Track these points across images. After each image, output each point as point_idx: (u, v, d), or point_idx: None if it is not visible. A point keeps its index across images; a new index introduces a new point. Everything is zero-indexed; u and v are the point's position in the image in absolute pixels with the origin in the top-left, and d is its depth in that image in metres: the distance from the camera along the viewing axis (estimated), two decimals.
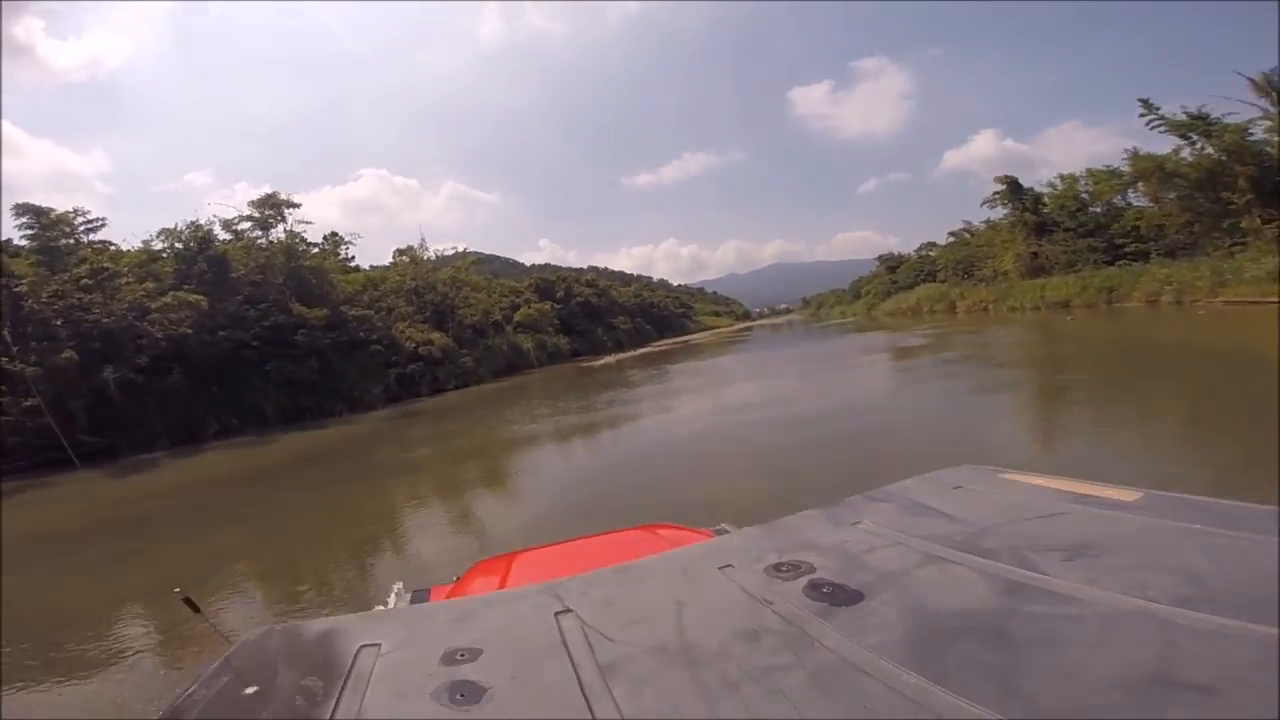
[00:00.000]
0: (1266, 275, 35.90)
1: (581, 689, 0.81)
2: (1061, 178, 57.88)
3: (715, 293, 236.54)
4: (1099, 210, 55.83)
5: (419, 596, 2.72)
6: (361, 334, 34.77)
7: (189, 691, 0.89)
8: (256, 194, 37.54)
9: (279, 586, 8.03)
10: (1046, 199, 60.88)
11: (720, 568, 1.11)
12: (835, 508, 1.36)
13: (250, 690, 0.89)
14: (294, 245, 36.07)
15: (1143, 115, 48.28)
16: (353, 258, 48.91)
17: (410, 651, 0.96)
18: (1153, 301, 43.15)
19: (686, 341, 79.22)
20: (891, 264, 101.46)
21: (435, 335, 39.84)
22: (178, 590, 1.86)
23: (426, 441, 20.76)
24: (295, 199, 36.44)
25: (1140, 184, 47.10)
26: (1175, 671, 0.67)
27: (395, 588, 2.94)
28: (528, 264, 78.28)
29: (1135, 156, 47.88)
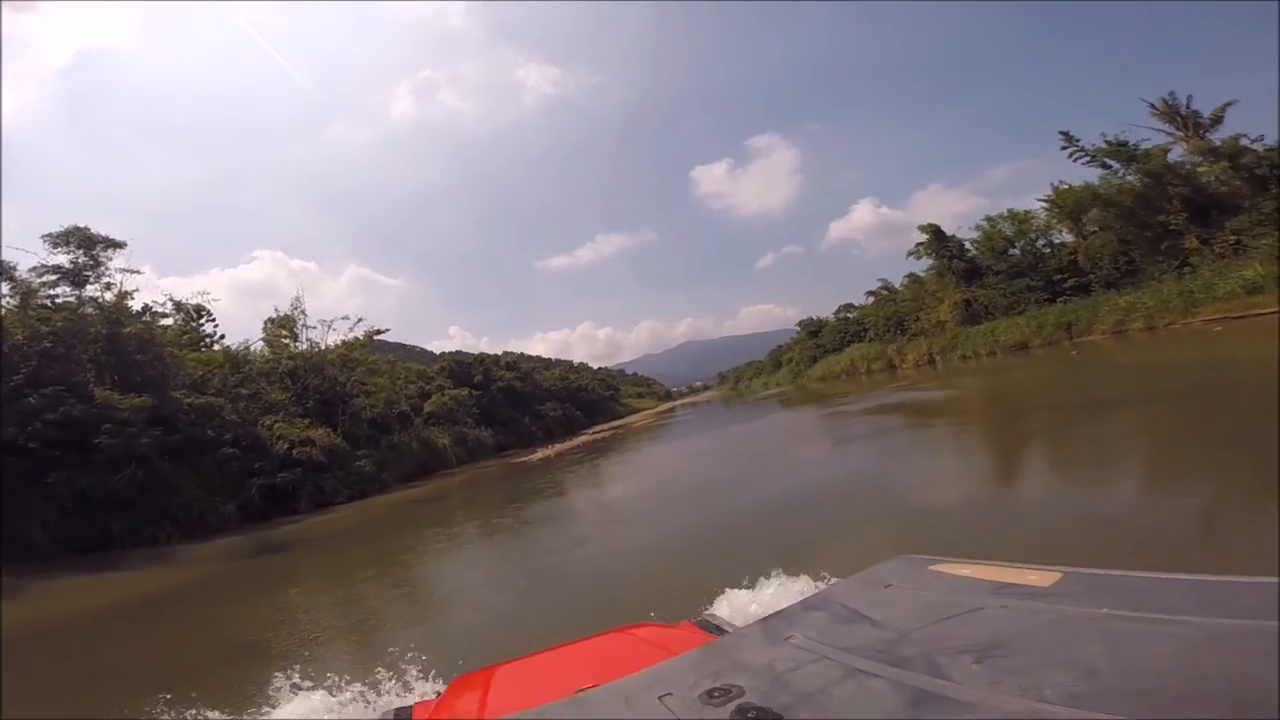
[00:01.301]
0: (1241, 290, 33.94)
1: None
2: (987, 219, 56.45)
3: (635, 373, 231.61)
4: (1024, 250, 54.36)
5: (402, 713, 2.68)
6: (208, 431, 24.82)
7: None
8: (136, 274, 27.20)
9: None
10: (970, 245, 59.43)
11: (660, 697, 1.13)
12: (775, 620, 1.39)
13: None
14: (117, 307, 26.12)
15: (1064, 147, 47.56)
16: (220, 337, 38.74)
17: None
18: (1120, 332, 40.59)
19: (625, 426, 71.43)
20: (812, 329, 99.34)
21: (318, 432, 30.23)
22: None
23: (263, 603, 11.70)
24: (118, 246, 26.43)
25: (1065, 218, 45.55)
26: None
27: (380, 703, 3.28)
28: (437, 352, 69.24)
29: (1062, 190, 46.53)
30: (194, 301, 37.95)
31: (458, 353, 63.50)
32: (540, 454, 41.98)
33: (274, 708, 4.96)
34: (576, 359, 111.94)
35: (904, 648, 1.10)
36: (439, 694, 2.84)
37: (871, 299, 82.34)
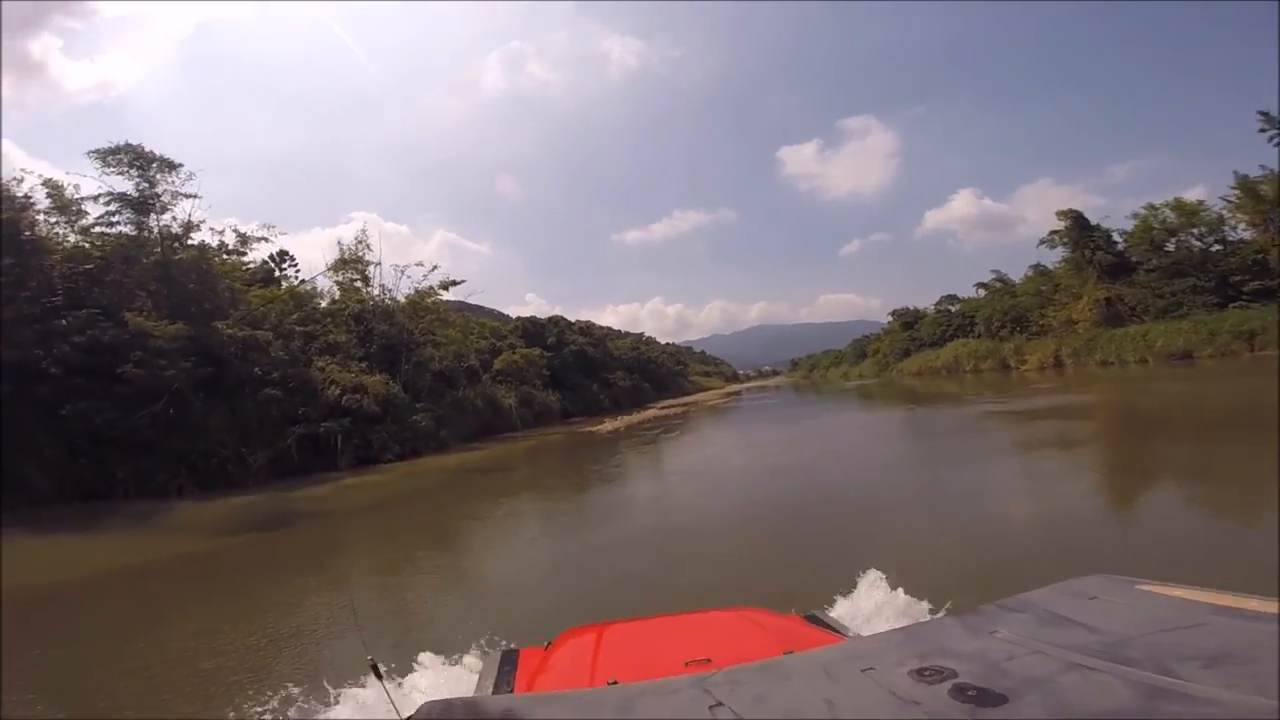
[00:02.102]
0: None
1: None
2: (1147, 207, 47.95)
3: (704, 352, 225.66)
4: (1189, 247, 45.85)
5: (508, 658, 2.79)
6: (254, 369, 21.72)
7: None
8: (193, 198, 24.35)
9: None
10: (1120, 236, 51.02)
11: (863, 670, 1.09)
12: (970, 616, 1.35)
13: None
14: (175, 235, 23.34)
15: (1263, 130, 39.67)
16: (301, 281, 36.37)
17: None
18: None
19: (694, 404, 66.78)
20: (907, 320, 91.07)
21: (373, 379, 26.87)
22: (369, 658, 1.94)
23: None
24: (173, 167, 23.31)
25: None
26: None
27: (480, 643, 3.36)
28: (514, 316, 65.66)
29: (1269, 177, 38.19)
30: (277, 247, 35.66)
31: (533, 317, 59.80)
32: (609, 425, 37.86)
33: None
34: (645, 333, 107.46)
35: (1126, 650, 1.04)
36: (548, 643, 2.68)
37: (982, 291, 74.14)
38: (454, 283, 39.84)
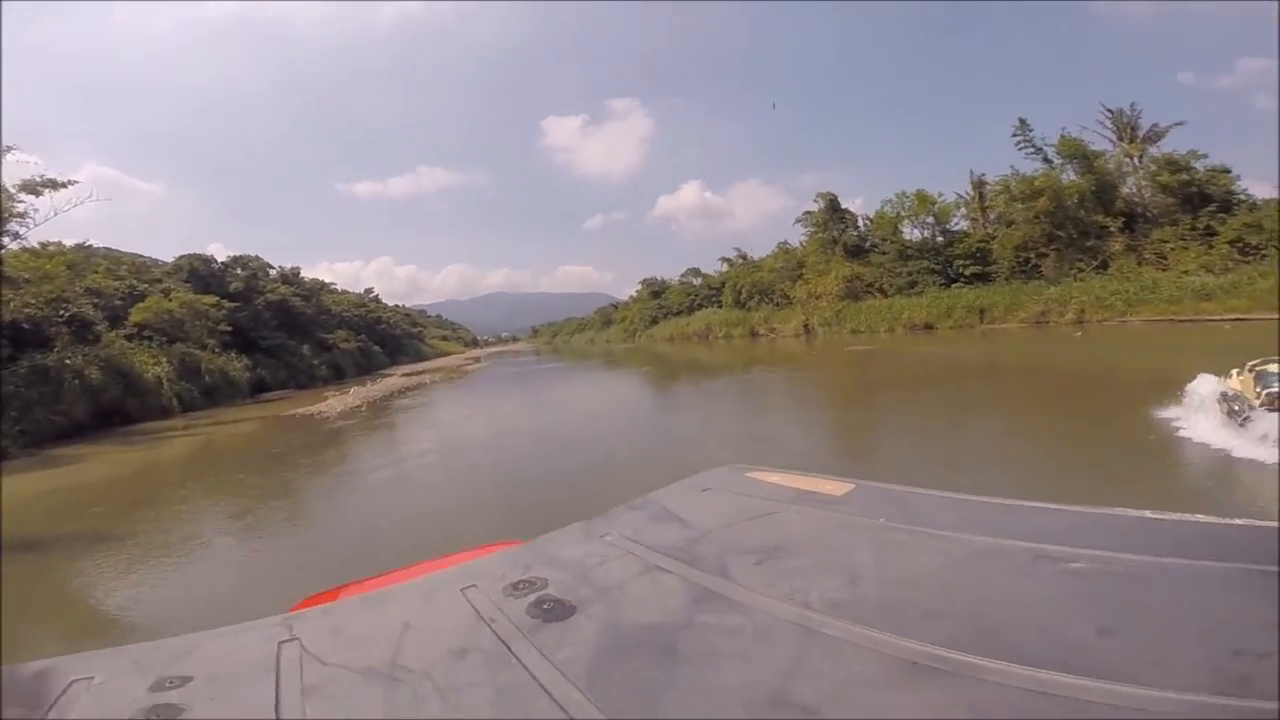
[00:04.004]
0: (1192, 293, 31.33)
1: (276, 708, 0.82)
2: (898, 196, 50.75)
3: (440, 316, 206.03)
4: (927, 235, 49.80)
5: None
6: None
7: None
8: None
9: None
10: (869, 219, 53.82)
11: (463, 589, 1.12)
12: (597, 520, 1.39)
13: None
14: None
15: (1015, 135, 43.68)
16: None
17: (122, 682, 0.94)
18: (1041, 322, 36.85)
19: (446, 368, 55.43)
20: (656, 289, 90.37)
21: None
22: None
23: None
24: None
25: (1019, 204, 40.86)
26: (793, 688, 0.72)
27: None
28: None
29: (1023, 178, 41.49)
30: None
31: (204, 255, 41.47)
32: (336, 402, 25.79)
33: None
34: (373, 290, 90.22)
35: (701, 547, 1.14)
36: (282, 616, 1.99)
37: (726, 265, 75.58)
38: (53, 184, 23.54)
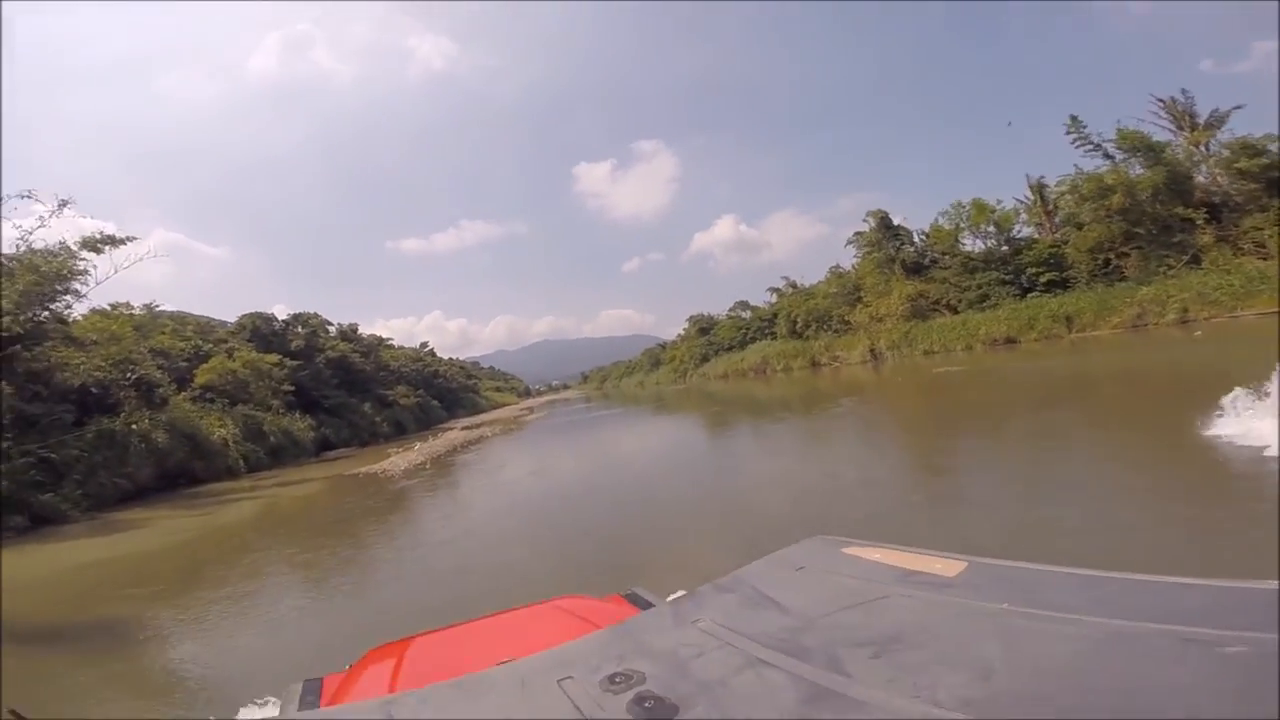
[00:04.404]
0: None
1: None
2: (954, 207, 48.31)
3: (492, 367, 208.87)
4: (993, 244, 47.04)
5: (310, 686, 2.34)
6: None
7: None
8: None
9: None
10: (925, 234, 51.42)
11: (559, 680, 1.09)
12: (683, 602, 1.36)
13: None
14: None
15: (1069, 133, 40.85)
16: None
17: None
18: (1138, 326, 33.21)
19: (505, 420, 54.75)
20: (703, 326, 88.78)
21: None
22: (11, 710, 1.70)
23: None
24: None
25: (1088, 203, 38.02)
26: None
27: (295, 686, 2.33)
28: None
29: (1089, 175, 38.80)
30: None
31: (265, 314, 41.98)
32: (400, 458, 24.71)
33: None
34: (428, 344, 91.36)
35: (807, 637, 1.08)
36: (350, 665, 2.43)
37: (775, 295, 73.66)
38: (112, 240, 23.70)
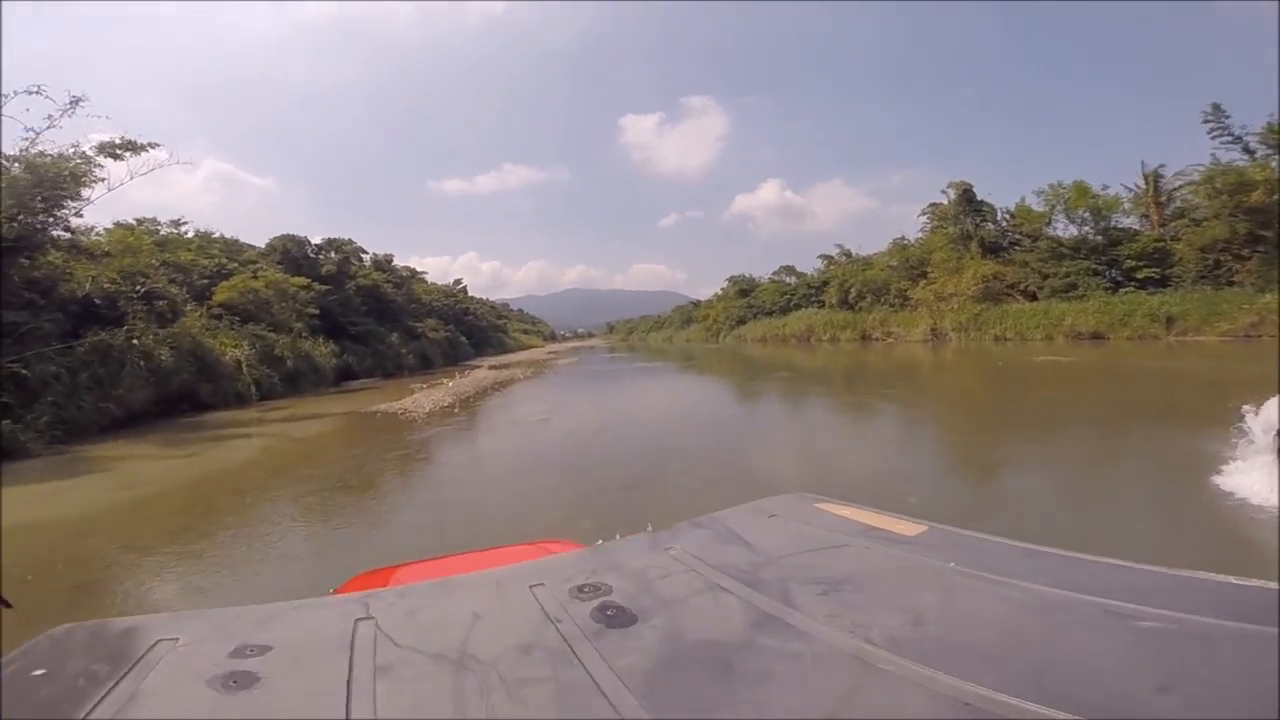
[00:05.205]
0: None
1: (349, 684, 0.84)
2: (1051, 188, 43.20)
3: (521, 310, 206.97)
4: (1089, 230, 42.12)
5: None
6: None
7: None
8: None
9: None
10: (1009, 213, 46.51)
11: (531, 586, 1.14)
12: (662, 533, 1.39)
13: (38, 672, 0.89)
14: None
15: (1207, 122, 35.49)
16: None
17: (205, 645, 0.96)
18: (1251, 336, 29.40)
19: (531, 361, 52.29)
20: (744, 287, 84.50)
21: None
22: None
23: None
24: None
25: (1223, 197, 33.14)
26: (846, 716, 0.73)
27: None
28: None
29: (1228, 167, 33.77)
30: None
31: (298, 236, 39.15)
32: (424, 397, 22.06)
33: None
34: (462, 281, 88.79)
35: (765, 571, 1.13)
36: (335, 589, 2.38)
37: (826, 263, 69.05)
38: (132, 146, 20.95)
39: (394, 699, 0.80)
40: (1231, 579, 0.91)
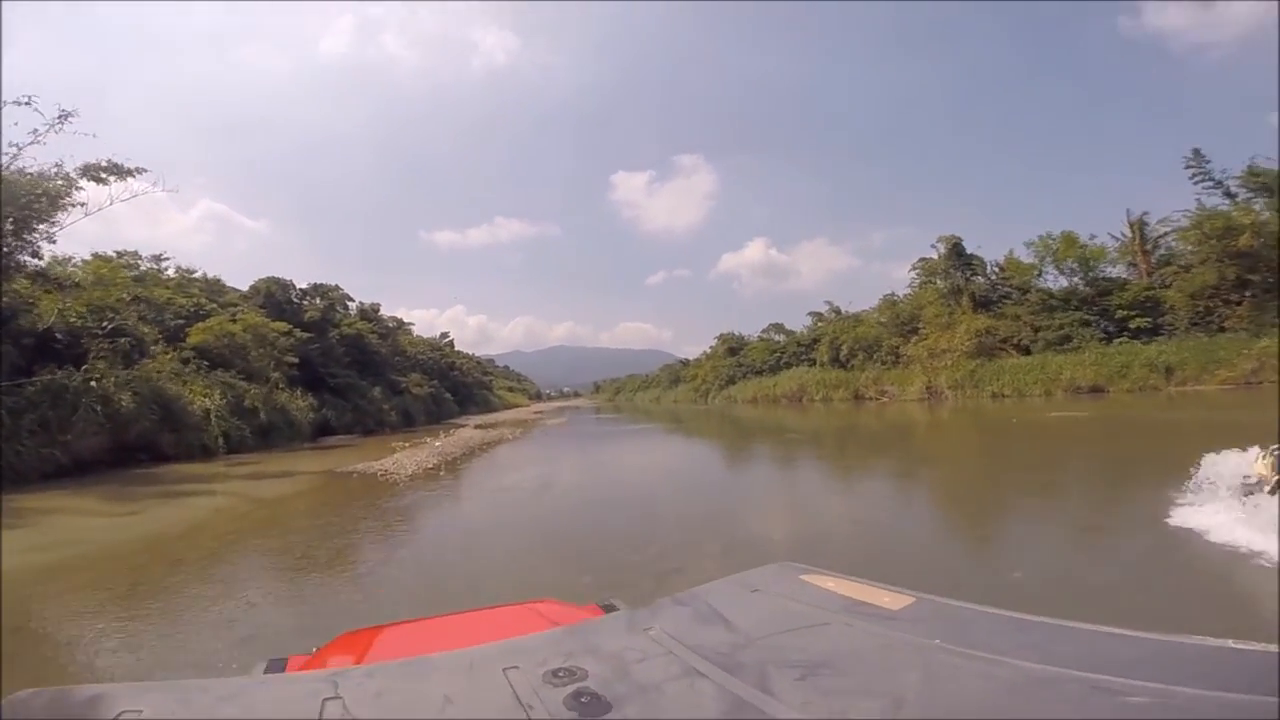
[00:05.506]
0: None
1: None
2: (1041, 239, 43.86)
3: (507, 367, 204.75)
4: (1078, 281, 42.47)
5: (274, 665, 2.30)
6: None
7: None
8: None
9: None
10: (999, 266, 46.93)
11: (505, 669, 1.11)
12: (640, 611, 1.38)
13: None
14: None
15: (1189, 168, 36.91)
16: None
17: None
18: (1252, 383, 29.00)
19: (518, 420, 50.53)
20: (733, 345, 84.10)
21: None
22: None
23: None
24: None
25: (1211, 242, 33.53)
26: None
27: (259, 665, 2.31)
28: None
29: (1209, 214, 34.42)
30: None
31: (281, 279, 37.92)
32: (406, 456, 20.35)
33: None
34: (448, 335, 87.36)
35: (744, 654, 1.11)
36: (317, 649, 2.36)
37: (816, 320, 69.14)
38: (118, 170, 19.93)
39: None
40: (1229, 643, 0.88)
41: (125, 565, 7.68)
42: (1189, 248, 36.20)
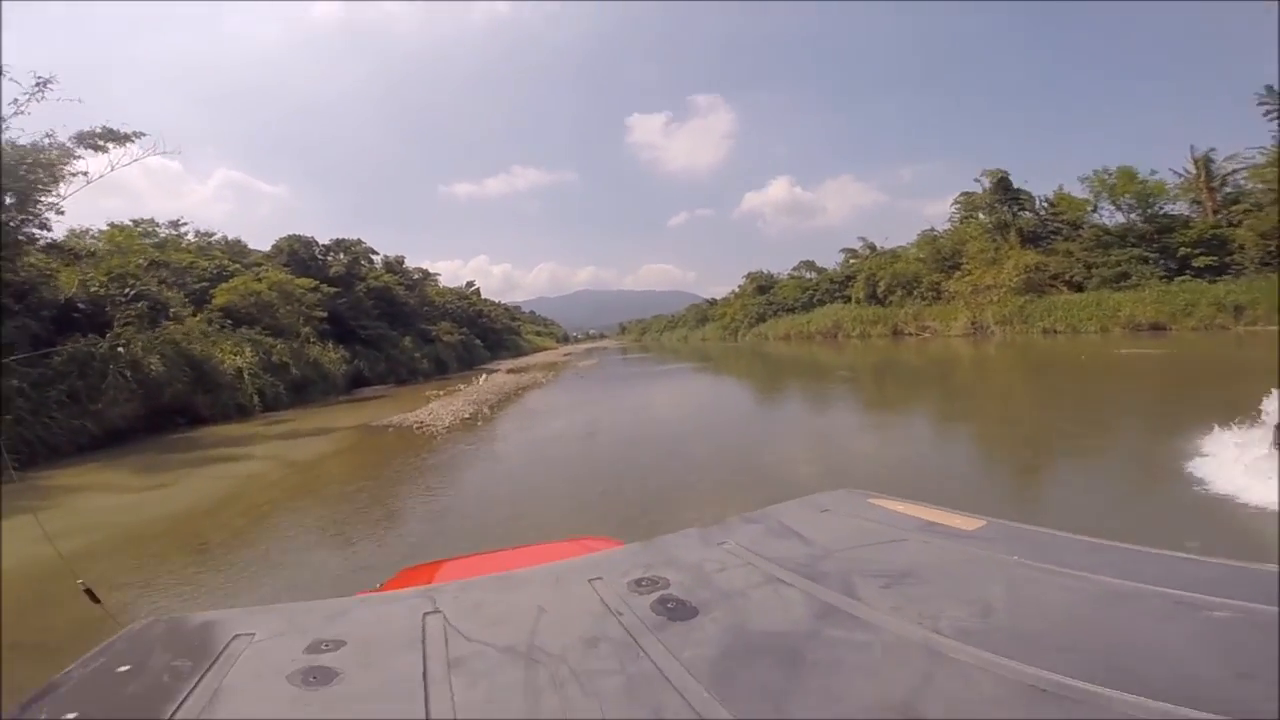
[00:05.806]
0: None
1: (424, 678, 0.85)
2: (1096, 174, 40.76)
3: (533, 312, 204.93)
4: (1135, 218, 39.55)
5: None
6: None
7: (67, 670, 0.90)
8: None
9: None
10: (1049, 201, 43.91)
11: (590, 580, 1.14)
12: (713, 528, 1.38)
13: (123, 669, 0.90)
14: None
15: (1263, 104, 33.28)
16: None
17: (281, 640, 0.98)
18: None
19: (550, 364, 50.23)
20: (762, 283, 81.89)
21: None
22: (80, 581, 1.80)
23: None
24: None
25: None
26: (920, 705, 0.72)
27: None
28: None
29: None
30: None
31: (304, 236, 37.04)
32: (441, 405, 19.93)
33: None
34: (474, 283, 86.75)
35: (825, 564, 1.12)
36: (382, 583, 2.47)
37: (848, 257, 66.51)
38: (114, 136, 19.08)
39: (469, 692, 0.81)
40: None
41: (142, 551, 7.18)
42: (1260, 185, 33.11)
